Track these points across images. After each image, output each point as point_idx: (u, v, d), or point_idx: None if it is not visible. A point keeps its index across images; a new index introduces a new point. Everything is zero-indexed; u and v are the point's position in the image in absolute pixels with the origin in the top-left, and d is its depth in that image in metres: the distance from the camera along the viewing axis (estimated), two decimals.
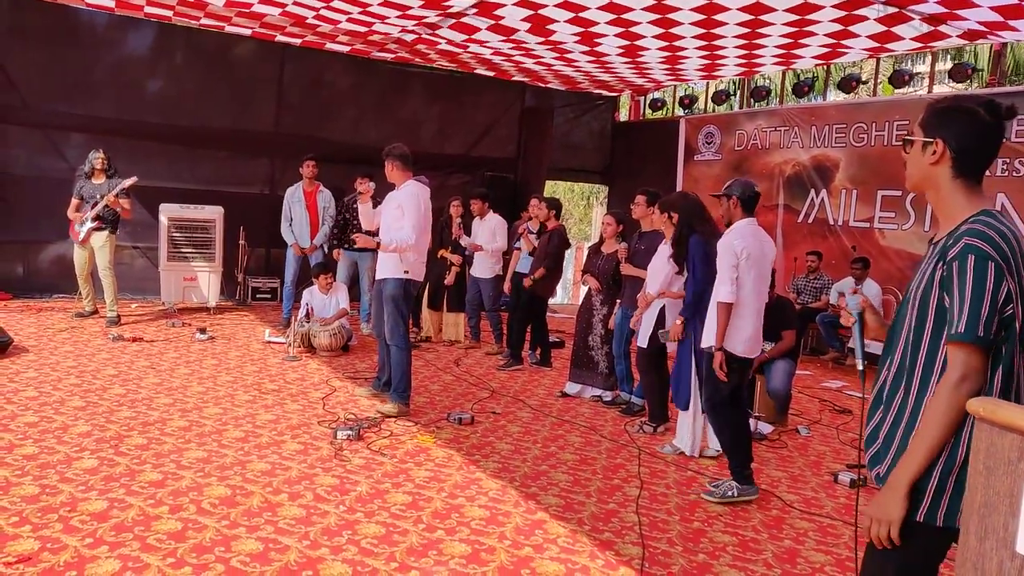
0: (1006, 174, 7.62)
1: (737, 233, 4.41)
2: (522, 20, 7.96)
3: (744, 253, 4.34)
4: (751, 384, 6.17)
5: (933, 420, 1.92)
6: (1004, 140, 7.03)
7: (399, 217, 5.54)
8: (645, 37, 8.23)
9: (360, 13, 8.12)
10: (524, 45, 9.04)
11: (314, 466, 4.42)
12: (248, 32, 9.75)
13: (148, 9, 8.93)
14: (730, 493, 4.36)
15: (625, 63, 9.71)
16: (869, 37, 7.74)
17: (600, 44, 8.67)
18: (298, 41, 10.07)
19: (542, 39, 8.54)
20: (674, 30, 7.89)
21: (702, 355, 4.79)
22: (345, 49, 10.37)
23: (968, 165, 2.03)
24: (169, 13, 9.05)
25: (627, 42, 8.48)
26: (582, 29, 8.09)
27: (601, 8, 7.34)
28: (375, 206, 6.33)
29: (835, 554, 3.76)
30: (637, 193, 6.22)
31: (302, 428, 5.13)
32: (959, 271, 1.90)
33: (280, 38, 9.97)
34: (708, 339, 4.52)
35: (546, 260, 7.37)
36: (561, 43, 8.73)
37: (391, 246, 5.48)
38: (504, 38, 8.75)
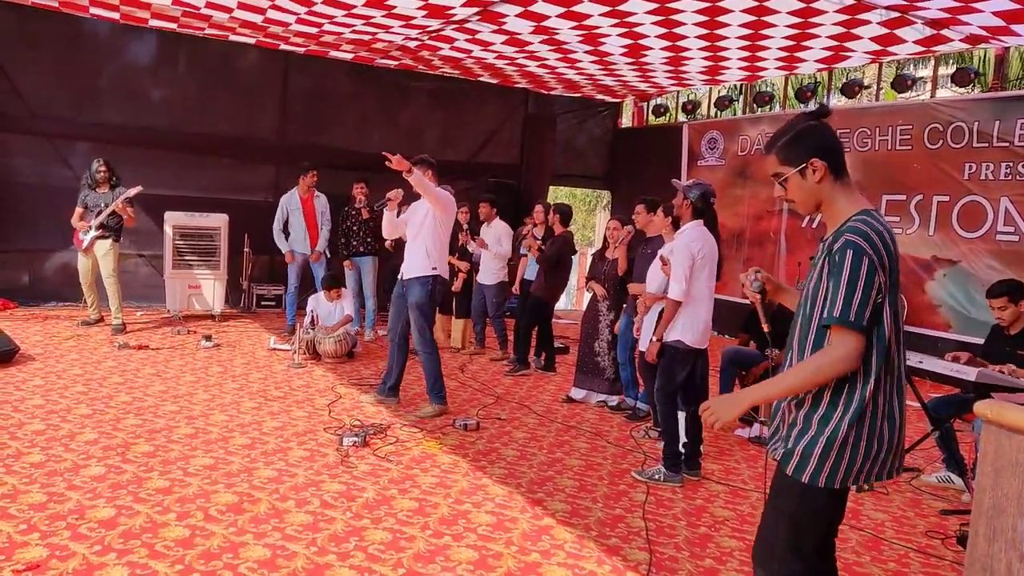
0: (1009, 178, 7.62)
1: (692, 236, 4.81)
2: (526, 25, 7.99)
3: (700, 254, 4.75)
4: None
5: (800, 374, 2.20)
6: (1007, 144, 7.11)
7: (427, 218, 5.71)
8: (648, 37, 8.25)
9: (364, 25, 8.17)
10: (527, 48, 9.06)
11: (320, 472, 4.43)
12: (252, 41, 9.81)
13: (153, 22, 8.99)
14: (656, 477, 4.74)
15: (628, 64, 9.72)
16: (872, 40, 7.76)
17: (604, 44, 8.69)
18: (302, 50, 10.13)
19: (545, 37, 8.55)
20: (677, 30, 7.91)
21: (697, 355, 4.96)
22: (348, 57, 10.42)
23: (838, 167, 2.27)
24: (173, 25, 9.12)
25: (631, 41, 8.50)
26: (585, 32, 8.12)
27: (604, 15, 7.37)
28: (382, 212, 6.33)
29: (842, 558, 3.75)
30: (636, 203, 6.25)
31: (308, 435, 5.14)
32: (838, 263, 2.13)
33: (284, 47, 10.03)
34: (671, 334, 4.83)
35: (548, 260, 7.38)
36: (564, 43, 8.74)
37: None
38: (506, 37, 8.77)
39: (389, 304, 9.28)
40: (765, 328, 2.66)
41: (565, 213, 7.68)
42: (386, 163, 5.51)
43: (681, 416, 5.02)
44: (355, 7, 7.57)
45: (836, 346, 2.15)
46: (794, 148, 2.29)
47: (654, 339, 4.89)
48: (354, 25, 8.26)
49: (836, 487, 2.20)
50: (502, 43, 8.94)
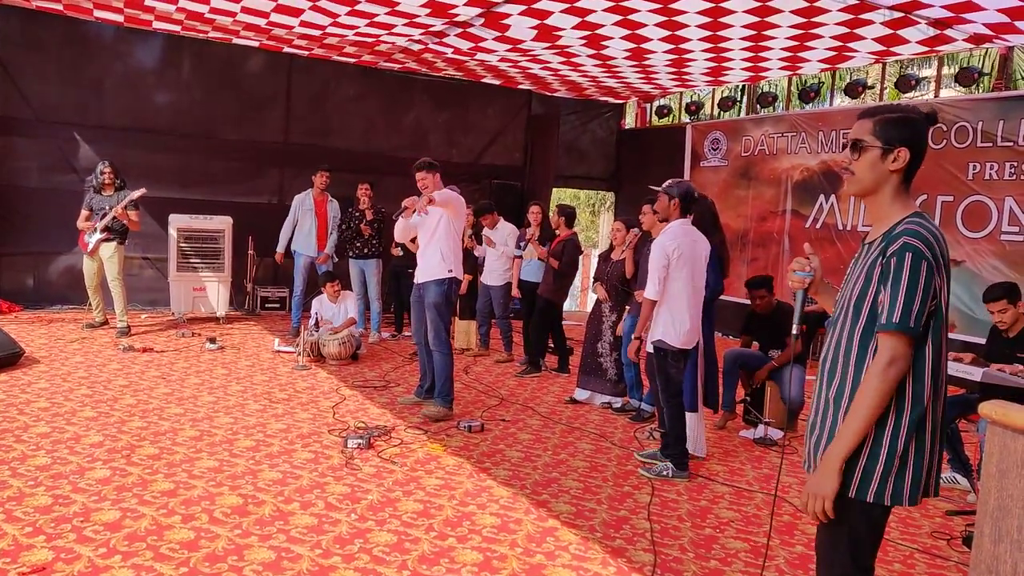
0: (1013, 178, 7.60)
1: (670, 235, 4.83)
2: (529, 28, 8.00)
3: (676, 253, 4.76)
4: (760, 391, 6.17)
5: (864, 402, 2.08)
6: (1011, 144, 7.05)
7: (440, 221, 5.77)
8: (652, 40, 8.25)
9: (367, 25, 8.16)
10: (531, 53, 9.07)
11: (325, 475, 4.43)
12: (256, 44, 9.83)
13: (157, 24, 9.02)
14: (665, 473, 4.81)
15: (632, 66, 9.72)
16: (875, 40, 7.74)
17: (607, 47, 8.69)
18: (306, 52, 10.15)
19: (548, 44, 8.56)
20: (680, 32, 7.91)
21: (687, 355, 5.00)
22: (352, 60, 10.43)
23: (914, 170, 2.21)
24: (177, 28, 9.14)
25: (634, 45, 8.50)
26: (588, 32, 8.11)
27: (607, 11, 7.37)
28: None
29: None
30: (643, 203, 6.25)
31: (313, 437, 5.14)
32: (896, 267, 2.06)
33: (288, 49, 10.05)
34: (654, 335, 4.89)
35: (562, 264, 7.40)
36: (568, 47, 8.75)
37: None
38: (511, 47, 8.78)
39: (394, 307, 9.40)
40: (794, 329, 2.49)
41: (569, 215, 7.68)
42: (427, 205, 5.62)
43: (690, 418, 5.04)
44: (359, 3, 7.54)
45: (884, 351, 2.07)
46: (894, 128, 2.18)
47: (634, 337, 4.96)
48: (358, 27, 8.25)
49: (886, 502, 2.12)
50: (506, 51, 8.94)
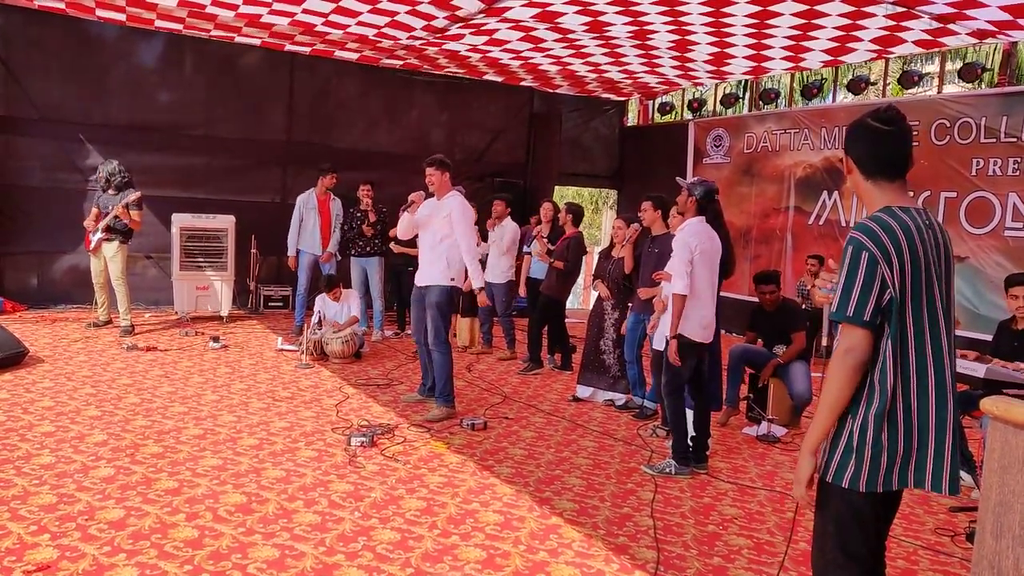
0: (1017, 173, 7.59)
1: (691, 231, 4.90)
2: (532, 18, 7.98)
3: (698, 249, 4.83)
4: (763, 388, 6.16)
5: (826, 388, 2.19)
6: (1015, 140, 7.04)
7: (445, 225, 5.74)
8: (654, 24, 8.22)
9: (370, 12, 8.10)
10: (532, 34, 8.98)
11: (328, 473, 4.44)
12: (258, 42, 9.83)
13: (159, 23, 9.02)
14: (668, 470, 4.84)
15: (635, 50, 9.65)
16: (880, 29, 7.70)
17: (609, 30, 8.64)
18: (307, 50, 10.14)
19: (549, 24, 8.50)
20: (682, 19, 7.89)
21: (700, 350, 5.02)
22: (354, 57, 10.44)
23: (872, 168, 2.28)
24: (179, 26, 9.14)
25: (636, 28, 8.47)
26: (590, 19, 8.09)
27: (609, 2, 7.36)
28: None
29: None
30: (643, 200, 6.25)
31: (316, 435, 5.15)
32: (841, 260, 2.19)
33: (289, 47, 10.05)
34: (671, 330, 4.89)
35: (566, 263, 7.40)
36: (570, 32, 8.69)
37: (477, 278, 5.84)
38: (511, 25, 8.72)
39: (396, 305, 9.41)
40: (824, 340, 2.60)
41: (577, 213, 7.67)
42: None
43: (689, 411, 5.03)
44: None
45: (841, 340, 2.17)
46: (845, 137, 2.37)
47: (668, 336, 4.88)
48: (360, 13, 8.14)
49: (863, 490, 2.17)
50: (507, 28, 8.83)
